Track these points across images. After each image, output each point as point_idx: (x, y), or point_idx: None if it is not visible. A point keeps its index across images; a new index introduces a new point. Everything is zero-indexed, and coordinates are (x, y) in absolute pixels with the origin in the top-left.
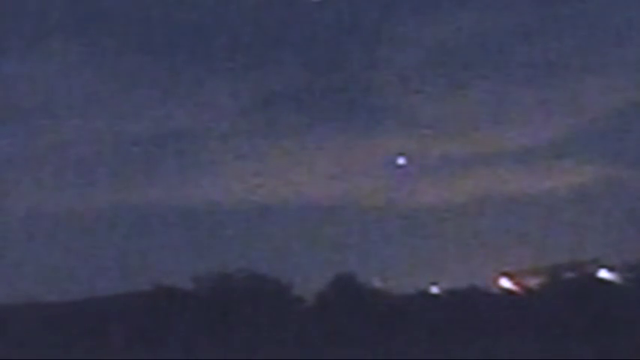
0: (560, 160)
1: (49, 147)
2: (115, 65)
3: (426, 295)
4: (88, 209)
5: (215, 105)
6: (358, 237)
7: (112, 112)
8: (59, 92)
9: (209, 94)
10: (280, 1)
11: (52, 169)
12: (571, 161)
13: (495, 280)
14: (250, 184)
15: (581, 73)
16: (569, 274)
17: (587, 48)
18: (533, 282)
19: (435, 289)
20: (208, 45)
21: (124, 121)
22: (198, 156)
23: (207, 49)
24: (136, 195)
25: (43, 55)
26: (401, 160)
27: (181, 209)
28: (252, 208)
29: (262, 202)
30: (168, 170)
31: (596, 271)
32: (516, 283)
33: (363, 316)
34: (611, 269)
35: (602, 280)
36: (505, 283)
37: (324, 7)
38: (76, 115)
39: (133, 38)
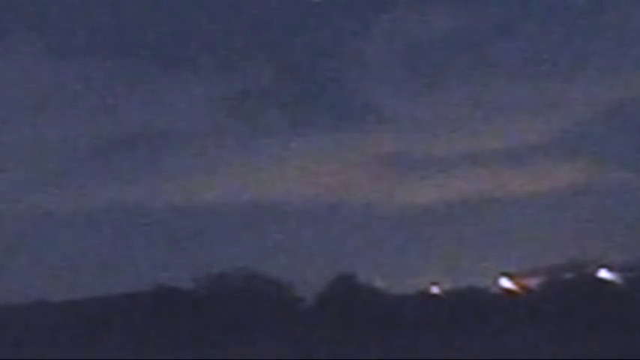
0: (547, 159)
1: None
2: (87, 66)
3: (426, 295)
4: (69, 209)
5: (194, 105)
6: (352, 237)
7: (87, 112)
8: (28, 92)
9: (188, 95)
10: (258, 1)
11: (34, 169)
12: (556, 160)
13: (495, 280)
14: (236, 183)
15: (565, 72)
16: (569, 274)
17: (570, 45)
18: (533, 282)
19: (435, 289)
20: (185, 46)
21: (99, 121)
22: (179, 156)
23: (185, 50)
24: (122, 194)
25: (8, 54)
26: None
27: (169, 209)
28: (241, 207)
29: (251, 202)
30: (152, 170)
31: (596, 271)
32: (516, 283)
33: (363, 316)
34: (611, 269)
35: (602, 280)
36: (505, 283)
37: (304, 6)
38: (45, 116)
39: (107, 39)
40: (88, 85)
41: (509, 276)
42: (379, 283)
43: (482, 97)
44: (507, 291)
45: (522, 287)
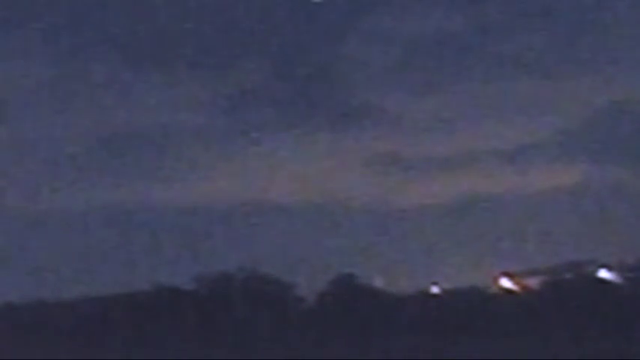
0: (547, 159)
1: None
2: (87, 65)
3: (426, 295)
4: (68, 210)
5: (192, 105)
6: (352, 237)
7: (84, 112)
8: (30, 91)
9: (186, 95)
10: (257, 1)
11: (35, 167)
12: (556, 160)
13: (495, 280)
14: (236, 183)
15: (564, 72)
16: (569, 274)
17: (570, 46)
18: (533, 282)
19: (435, 289)
20: (183, 46)
21: (97, 121)
22: (178, 156)
23: (182, 50)
24: (121, 194)
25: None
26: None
27: (169, 209)
28: (240, 207)
29: (250, 202)
30: (149, 169)
31: (596, 271)
32: (516, 283)
33: (363, 316)
34: (611, 269)
35: (602, 280)
36: (505, 283)
37: (304, 6)
38: (44, 117)
39: (107, 39)
40: (85, 84)
41: (510, 276)
42: (379, 283)
43: (482, 97)
44: (507, 291)
45: (522, 287)
